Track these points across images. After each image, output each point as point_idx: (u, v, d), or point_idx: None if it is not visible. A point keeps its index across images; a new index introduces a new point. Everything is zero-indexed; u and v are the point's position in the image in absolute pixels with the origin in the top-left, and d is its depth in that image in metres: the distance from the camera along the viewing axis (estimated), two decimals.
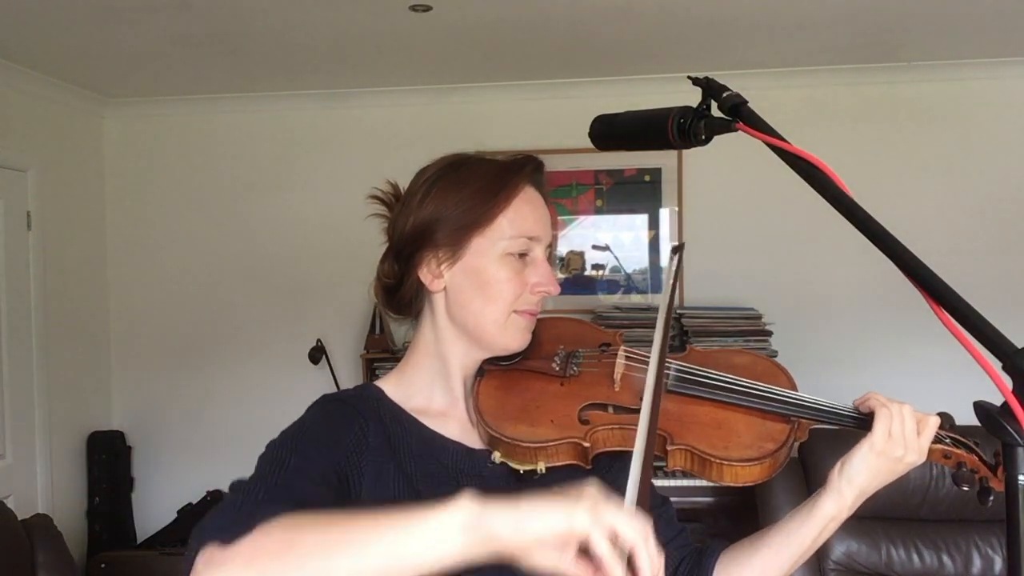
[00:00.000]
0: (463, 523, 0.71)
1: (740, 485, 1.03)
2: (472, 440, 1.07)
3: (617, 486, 1.12)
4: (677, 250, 1.13)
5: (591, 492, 0.72)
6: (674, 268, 1.09)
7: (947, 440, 1.05)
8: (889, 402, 1.01)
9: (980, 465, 1.03)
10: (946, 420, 1.06)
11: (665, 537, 1.12)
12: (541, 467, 1.01)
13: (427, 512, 0.72)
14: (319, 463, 0.93)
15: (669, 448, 1.02)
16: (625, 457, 0.96)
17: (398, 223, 1.08)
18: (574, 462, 1.02)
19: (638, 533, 0.68)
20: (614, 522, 0.68)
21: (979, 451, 1.05)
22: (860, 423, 1.04)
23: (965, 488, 1.03)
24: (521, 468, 1.02)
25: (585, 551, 0.69)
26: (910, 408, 1.01)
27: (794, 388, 1.10)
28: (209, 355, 4.16)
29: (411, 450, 1.03)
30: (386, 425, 1.03)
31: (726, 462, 1.01)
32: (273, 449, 0.95)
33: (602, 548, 0.67)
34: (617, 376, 1.08)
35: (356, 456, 0.98)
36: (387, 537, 0.71)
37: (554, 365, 1.10)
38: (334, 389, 3.79)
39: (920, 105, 3.78)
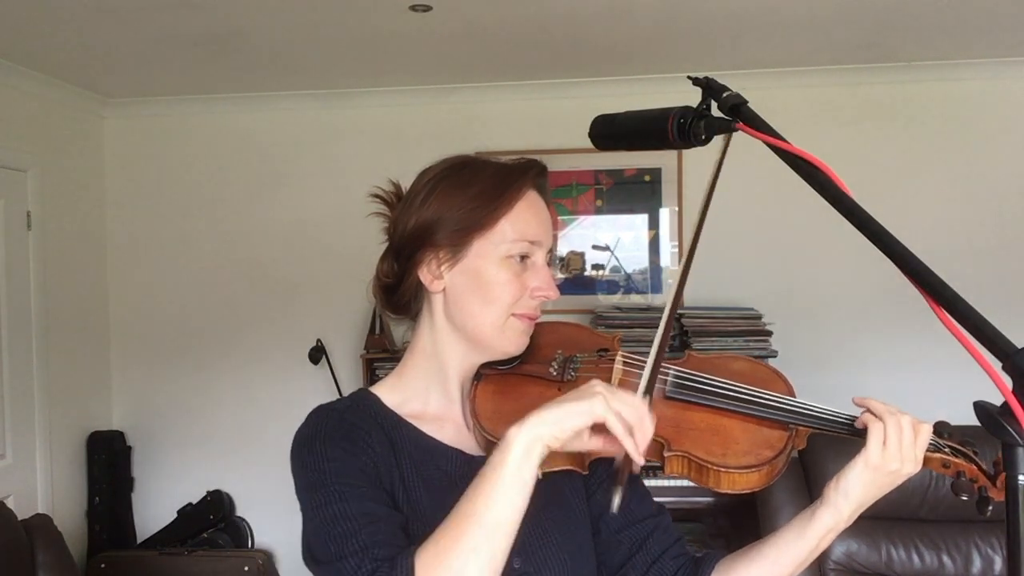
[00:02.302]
0: (525, 449, 0.88)
1: (737, 492, 1.02)
2: (468, 445, 1.07)
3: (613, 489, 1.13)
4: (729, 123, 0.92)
5: (596, 384, 0.91)
6: (722, 155, 0.99)
7: (946, 449, 1.03)
8: (885, 413, 0.99)
9: (979, 474, 1.02)
10: (943, 428, 1.04)
11: (660, 547, 1.12)
12: (538, 472, 1.00)
13: (502, 462, 0.89)
14: (371, 494, 0.97)
15: (667, 454, 1.02)
16: None
17: (399, 222, 1.08)
18: (571, 467, 1.02)
19: (637, 415, 0.89)
20: (621, 408, 0.89)
21: (978, 460, 1.03)
22: (860, 434, 1.03)
23: (964, 497, 1.01)
24: None
25: (603, 428, 0.89)
26: (908, 418, 0.99)
27: (792, 395, 1.09)
28: (209, 355, 4.16)
29: (410, 458, 1.03)
30: (386, 432, 1.03)
31: (723, 469, 1.00)
32: (323, 506, 0.95)
33: (616, 428, 0.88)
34: (615, 381, 1.08)
35: (373, 468, 1.00)
36: (493, 504, 0.88)
37: (552, 370, 1.09)
38: (334, 389, 3.82)
39: (920, 105, 3.78)
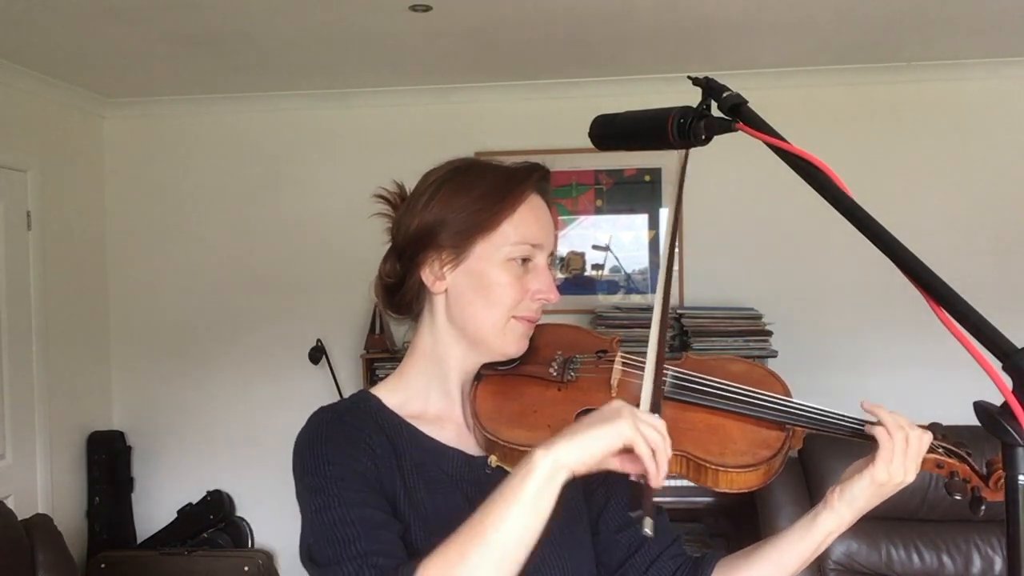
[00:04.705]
0: (549, 475, 0.86)
1: (736, 492, 1.03)
2: (468, 445, 1.08)
3: (614, 492, 1.13)
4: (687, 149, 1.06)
5: (622, 406, 0.90)
6: (683, 171, 1.07)
7: (940, 450, 1.05)
8: (895, 429, 1.01)
9: (972, 475, 1.04)
10: (936, 429, 1.07)
11: (659, 547, 1.13)
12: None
13: (522, 483, 0.86)
14: (371, 500, 0.96)
15: None
16: None
17: (402, 224, 1.09)
18: None
19: (661, 437, 0.89)
20: (647, 431, 0.88)
21: (971, 461, 1.06)
22: (854, 432, 1.05)
23: (957, 497, 1.04)
24: None
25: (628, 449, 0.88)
26: (915, 433, 1.01)
27: (788, 396, 1.10)
28: (209, 355, 4.16)
29: (411, 459, 1.03)
30: (387, 434, 1.04)
31: (722, 468, 1.01)
32: (323, 510, 0.95)
33: (643, 450, 0.87)
34: (614, 382, 1.09)
35: (375, 471, 0.99)
36: (508, 526, 0.86)
37: (551, 371, 1.10)
38: (334, 389, 3.82)
39: (920, 105, 3.78)
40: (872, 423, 1.03)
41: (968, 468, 1.04)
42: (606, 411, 0.89)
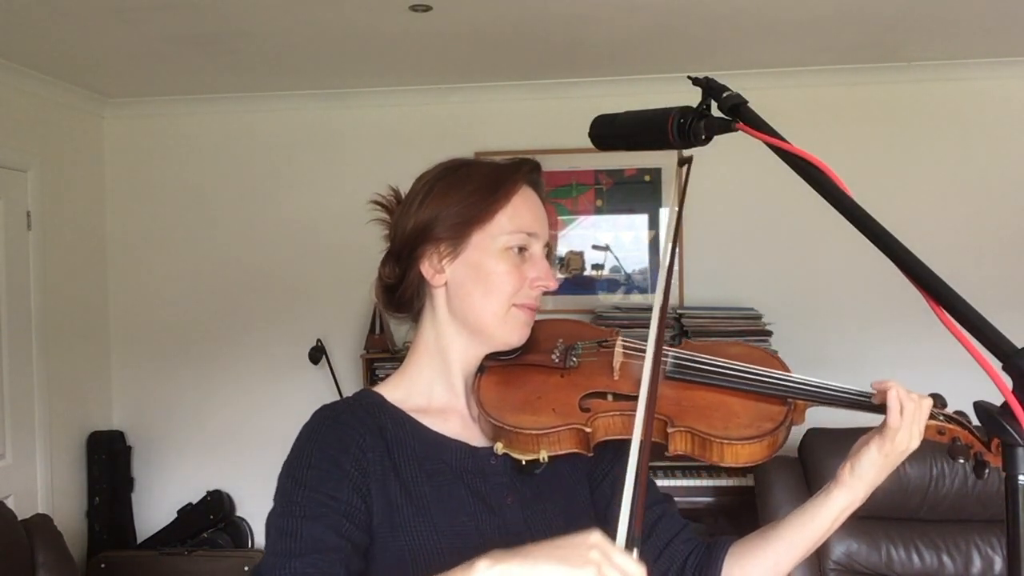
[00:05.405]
0: None
1: (741, 465, 1.05)
2: (473, 436, 1.09)
3: (620, 484, 1.13)
4: (686, 162, 1.11)
5: (595, 544, 0.78)
6: (683, 182, 1.07)
7: (940, 417, 1.07)
8: (906, 398, 1.02)
9: (974, 440, 1.05)
10: (938, 401, 1.08)
11: (670, 533, 1.14)
12: (543, 455, 1.03)
13: None
14: (332, 520, 0.96)
15: (670, 431, 1.04)
16: (626, 447, 0.97)
17: (399, 226, 1.10)
18: (576, 450, 1.04)
19: None
20: None
21: (971, 427, 1.07)
22: (856, 403, 1.06)
23: (960, 461, 1.05)
24: (523, 458, 1.04)
25: None
26: (920, 401, 1.02)
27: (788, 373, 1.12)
28: (209, 355, 4.16)
29: (413, 453, 1.04)
30: (386, 432, 1.04)
31: (726, 441, 1.03)
32: (282, 515, 0.97)
33: None
34: (616, 365, 1.11)
35: (361, 479, 0.99)
36: None
37: (553, 358, 1.12)
38: (334, 389, 3.82)
39: (920, 105, 3.78)
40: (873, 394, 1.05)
41: (969, 433, 1.06)
42: (575, 544, 0.79)
